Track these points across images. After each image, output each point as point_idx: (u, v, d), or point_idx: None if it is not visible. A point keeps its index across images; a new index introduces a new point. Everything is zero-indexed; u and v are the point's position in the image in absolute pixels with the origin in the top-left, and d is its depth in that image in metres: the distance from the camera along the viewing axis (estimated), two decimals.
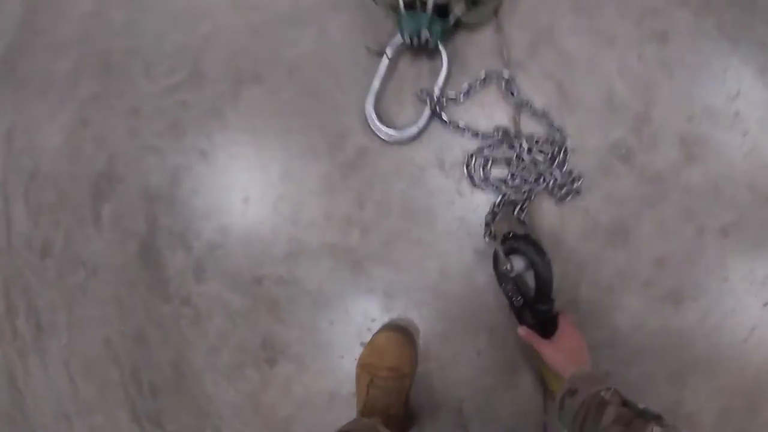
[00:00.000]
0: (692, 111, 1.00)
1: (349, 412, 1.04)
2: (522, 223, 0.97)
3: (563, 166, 0.96)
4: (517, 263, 0.81)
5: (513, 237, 0.87)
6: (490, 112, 1.01)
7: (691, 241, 1.00)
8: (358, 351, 1.03)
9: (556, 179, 0.96)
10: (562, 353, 0.79)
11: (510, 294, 0.90)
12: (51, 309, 1.59)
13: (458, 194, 1.02)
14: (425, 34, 0.88)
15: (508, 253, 0.84)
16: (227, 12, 1.15)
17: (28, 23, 1.71)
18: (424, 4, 0.88)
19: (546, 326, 0.85)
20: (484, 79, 0.98)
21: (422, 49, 0.94)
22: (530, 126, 0.99)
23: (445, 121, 0.98)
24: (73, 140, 1.47)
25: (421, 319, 1.06)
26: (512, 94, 0.97)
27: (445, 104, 0.98)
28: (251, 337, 1.16)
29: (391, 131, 0.99)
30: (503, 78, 0.97)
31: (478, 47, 1.01)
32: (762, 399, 1.05)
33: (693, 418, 1.04)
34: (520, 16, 1.00)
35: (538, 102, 0.98)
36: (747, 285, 1.01)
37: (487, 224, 0.98)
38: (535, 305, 0.85)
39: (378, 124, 0.99)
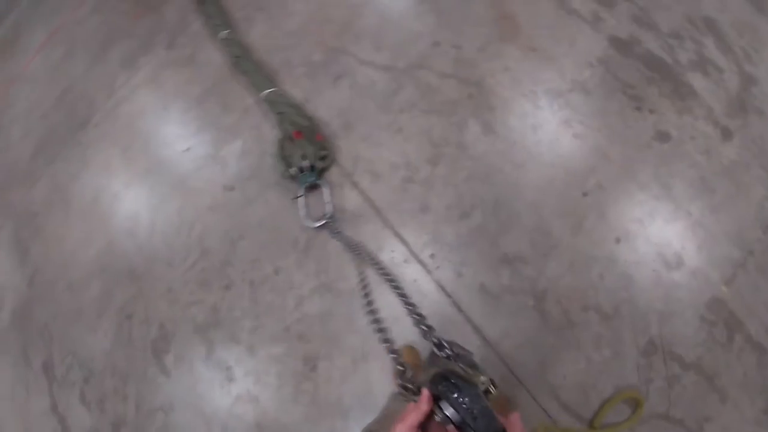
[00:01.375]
0: None
1: None
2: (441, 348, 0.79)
3: None
4: (449, 410, 0.61)
5: (434, 379, 0.65)
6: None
7: None
8: None
9: None
10: None
11: None
12: None
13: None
14: (311, 180, 1.94)
15: (436, 399, 0.63)
16: (208, 213, 2.09)
17: (36, 283, 2.37)
18: (304, 170, 1.95)
19: None
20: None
21: (313, 187, 1.96)
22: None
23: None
24: (122, 333, 2.11)
25: None
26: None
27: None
28: None
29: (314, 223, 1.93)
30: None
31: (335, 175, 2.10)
32: None
33: None
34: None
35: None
36: None
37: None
38: None
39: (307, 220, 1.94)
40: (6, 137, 2.85)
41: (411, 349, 1.75)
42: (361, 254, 1.73)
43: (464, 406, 0.60)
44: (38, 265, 2.42)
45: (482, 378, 0.68)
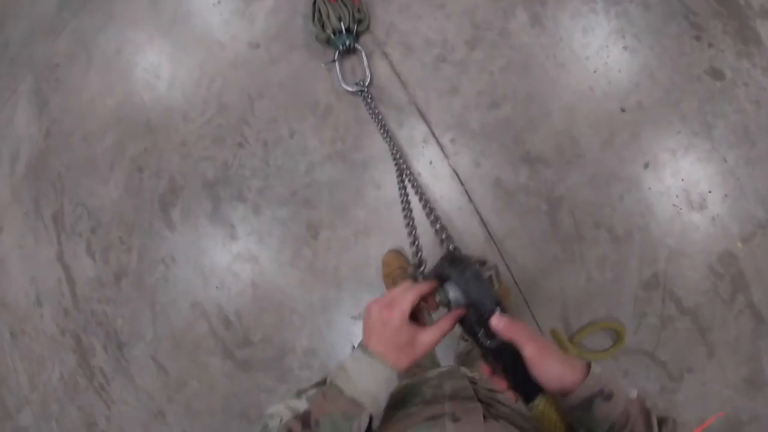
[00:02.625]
0: None
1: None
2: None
3: None
4: (453, 292, 0.59)
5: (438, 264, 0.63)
6: None
7: None
8: None
9: None
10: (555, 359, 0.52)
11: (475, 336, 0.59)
12: (132, 318, 2.08)
13: None
14: (347, 41, 1.84)
15: (442, 281, 0.61)
16: (230, 69, 2.02)
17: (52, 134, 2.36)
18: (340, 32, 1.85)
19: (509, 360, 0.55)
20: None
21: (349, 51, 1.89)
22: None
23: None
24: (131, 185, 2.11)
25: None
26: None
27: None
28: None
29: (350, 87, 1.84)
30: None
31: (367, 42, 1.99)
32: None
33: None
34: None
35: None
36: None
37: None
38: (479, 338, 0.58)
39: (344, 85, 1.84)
40: None
41: (396, 253, 1.74)
42: (387, 134, 1.67)
43: (464, 281, 0.59)
44: (56, 116, 2.40)
45: (488, 264, 0.65)
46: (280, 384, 1.86)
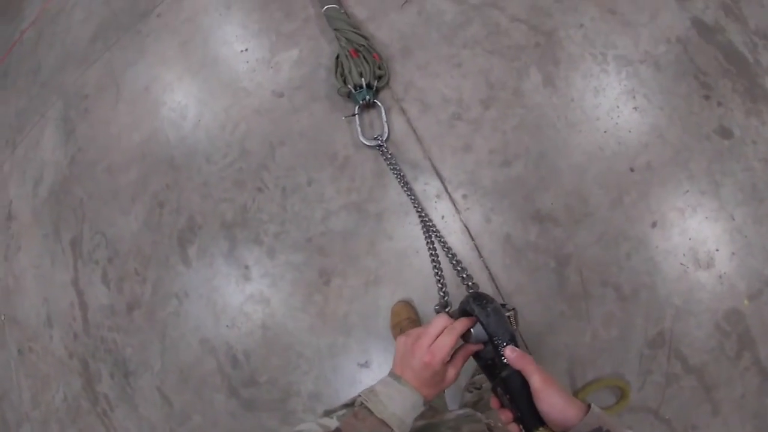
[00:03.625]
0: None
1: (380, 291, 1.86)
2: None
3: None
4: (475, 327, 0.65)
5: (463, 301, 0.70)
6: None
7: None
8: None
9: None
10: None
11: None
12: (141, 348, 2.11)
13: None
14: (367, 97, 1.92)
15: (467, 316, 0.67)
16: (254, 115, 2.11)
17: (77, 161, 2.44)
18: (361, 87, 1.93)
19: (517, 390, 0.59)
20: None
21: (369, 105, 1.96)
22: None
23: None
24: (152, 220, 2.17)
25: None
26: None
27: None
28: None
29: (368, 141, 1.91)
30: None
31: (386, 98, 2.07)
32: None
33: None
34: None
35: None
36: None
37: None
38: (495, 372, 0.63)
39: (362, 137, 1.91)
40: (67, 19, 2.91)
41: (406, 304, 1.78)
42: (407, 187, 1.74)
43: (486, 315, 0.65)
44: (82, 144, 2.49)
45: (508, 306, 0.73)
46: (283, 425, 1.88)
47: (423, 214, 1.64)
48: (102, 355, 2.22)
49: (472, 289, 0.95)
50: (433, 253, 1.42)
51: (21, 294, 2.52)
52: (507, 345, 0.63)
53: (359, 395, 0.61)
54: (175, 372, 2.04)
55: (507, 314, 0.69)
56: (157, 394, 2.06)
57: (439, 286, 1.14)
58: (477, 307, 0.67)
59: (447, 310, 0.81)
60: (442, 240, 1.50)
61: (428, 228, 1.56)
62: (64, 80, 2.71)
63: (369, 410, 0.57)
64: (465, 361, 0.66)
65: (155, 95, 2.28)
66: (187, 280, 2.05)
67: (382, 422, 0.56)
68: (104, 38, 2.61)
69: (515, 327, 0.70)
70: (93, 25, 2.70)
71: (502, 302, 0.72)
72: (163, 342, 2.07)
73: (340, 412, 0.65)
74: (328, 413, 0.65)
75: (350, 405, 0.65)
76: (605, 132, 1.86)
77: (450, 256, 1.30)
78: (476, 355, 0.68)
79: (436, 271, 1.30)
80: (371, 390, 0.61)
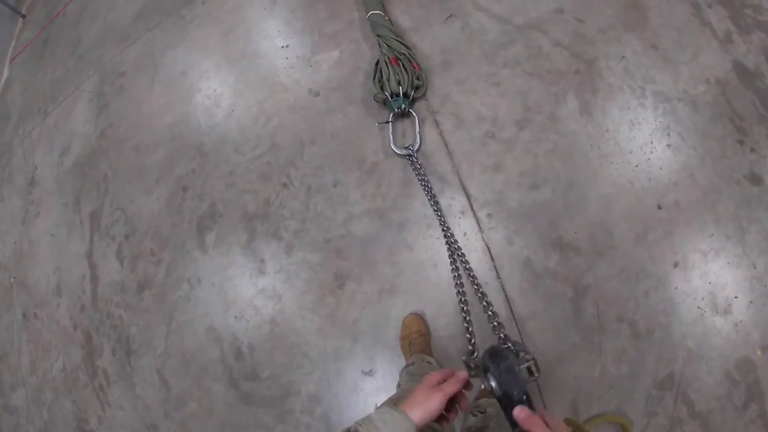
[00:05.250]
0: None
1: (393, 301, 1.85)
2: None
3: None
4: (490, 381, 0.69)
5: (481, 357, 0.73)
6: None
7: None
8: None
9: None
10: None
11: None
12: (146, 329, 2.11)
13: None
14: (403, 105, 1.92)
15: (485, 371, 0.70)
16: (287, 111, 2.12)
17: (106, 136, 2.46)
18: (397, 95, 1.93)
19: None
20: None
21: (403, 114, 1.97)
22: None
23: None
24: (173, 203, 2.18)
25: None
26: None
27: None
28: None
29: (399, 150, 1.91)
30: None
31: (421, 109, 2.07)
32: None
33: None
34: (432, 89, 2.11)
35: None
36: None
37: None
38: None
39: (393, 145, 1.91)
40: None
41: (417, 316, 1.77)
42: (433, 200, 1.72)
43: (499, 373, 0.69)
44: (113, 120, 2.51)
45: (527, 356, 0.76)
46: (278, 424, 1.86)
47: (446, 228, 1.62)
48: (106, 330, 2.22)
49: (497, 331, 0.97)
50: (459, 282, 1.29)
51: (34, 259, 2.54)
52: (516, 405, 0.66)
53: (355, 422, 0.65)
54: (177, 356, 2.03)
55: (526, 364, 0.73)
56: (157, 376, 2.05)
57: (465, 325, 1.11)
58: (492, 364, 0.70)
59: (474, 356, 0.87)
60: (467, 267, 1.41)
61: (452, 249, 1.52)
62: (102, 55, 2.74)
63: None
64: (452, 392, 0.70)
65: (191, 80, 2.30)
66: (201, 266, 2.04)
67: None
68: (147, 19, 2.64)
69: (536, 375, 0.73)
70: (137, 5, 2.74)
71: (521, 347, 0.76)
72: (169, 325, 2.06)
73: None
74: None
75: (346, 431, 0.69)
76: (637, 166, 1.84)
77: (476, 287, 1.25)
78: (502, 405, 0.70)
79: (464, 315, 1.16)
80: (367, 417, 0.65)
